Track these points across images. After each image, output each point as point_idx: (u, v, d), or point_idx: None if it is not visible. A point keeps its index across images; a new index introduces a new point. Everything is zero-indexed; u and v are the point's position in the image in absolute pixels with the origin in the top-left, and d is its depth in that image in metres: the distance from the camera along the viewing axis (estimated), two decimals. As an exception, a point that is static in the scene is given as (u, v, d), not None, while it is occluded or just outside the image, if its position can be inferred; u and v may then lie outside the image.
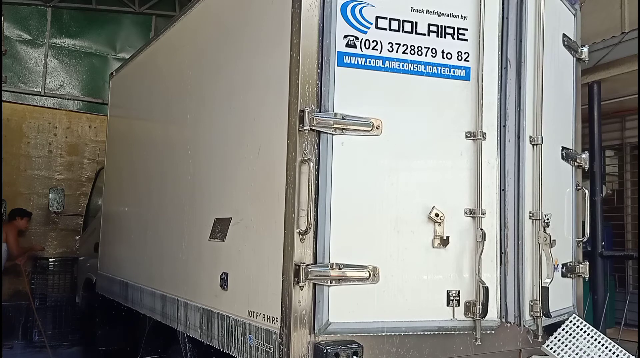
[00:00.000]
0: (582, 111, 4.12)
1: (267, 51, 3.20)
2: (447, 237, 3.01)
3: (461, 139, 3.10)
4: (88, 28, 10.28)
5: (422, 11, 3.07)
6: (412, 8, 3.05)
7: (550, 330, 3.40)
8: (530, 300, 3.21)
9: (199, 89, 4.07)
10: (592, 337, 3.47)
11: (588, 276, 3.92)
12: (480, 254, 3.02)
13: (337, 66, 2.89)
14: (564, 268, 3.65)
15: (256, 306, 3.04)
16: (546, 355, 3.32)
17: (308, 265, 2.75)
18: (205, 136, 3.94)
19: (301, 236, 2.76)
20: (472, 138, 3.11)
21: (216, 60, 3.87)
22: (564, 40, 3.78)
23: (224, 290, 3.37)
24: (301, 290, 2.75)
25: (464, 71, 3.13)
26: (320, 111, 2.84)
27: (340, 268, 2.80)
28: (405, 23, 3.04)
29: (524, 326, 3.20)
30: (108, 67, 9.74)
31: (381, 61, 2.98)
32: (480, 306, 3.00)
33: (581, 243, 3.93)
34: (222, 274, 3.39)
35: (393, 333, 2.91)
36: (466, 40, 3.14)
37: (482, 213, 3.07)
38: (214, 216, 3.60)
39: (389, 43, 3.00)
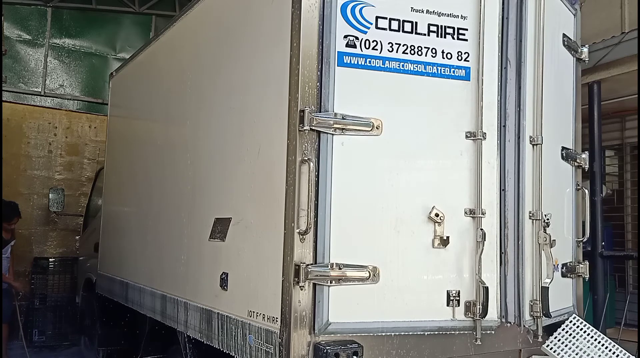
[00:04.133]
0: (582, 111, 4.12)
1: (267, 51, 3.20)
2: (447, 237, 3.01)
3: (461, 139, 3.10)
4: (88, 28, 10.28)
5: (422, 11, 3.07)
6: (412, 8, 3.05)
7: (550, 330, 3.40)
8: (530, 300, 3.21)
9: (199, 89, 4.07)
10: (592, 337, 3.47)
11: (588, 276, 3.92)
12: (480, 254, 3.02)
13: (337, 66, 2.89)
14: (564, 268, 3.65)
15: (256, 306, 3.04)
16: (546, 355, 3.32)
17: (308, 265, 2.75)
18: (205, 136, 3.94)
19: (301, 236, 2.76)
20: (472, 138, 3.11)
21: (216, 60, 3.87)
22: (564, 41, 3.78)
23: (224, 290, 3.37)
24: (301, 290, 2.75)
25: (464, 71, 3.13)
26: (320, 111, 2.84)
27: (340, 268, 2.80)
28: (405, 23, 3.04)
29: (524, 326, 3.20)
30: (108, 67, 9.74)
31: (381, 61, 2.98)
32: (480, 307, 3.00)
33: (581, 243, 3.93)
34: (222, 274, 3.39)
35: (393, 333, 2.91)
36: (466, 40, 3.14)
37: (482, 213, 3.07)
38: (214, 216, 3.60)
39: (389, 43, 3.00)
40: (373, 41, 2.97)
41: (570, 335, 3.43)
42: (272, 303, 2.86)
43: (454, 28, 3.12)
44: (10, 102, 9.35)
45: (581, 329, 3.48)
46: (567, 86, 3.88)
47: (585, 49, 4.02)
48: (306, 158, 2.78)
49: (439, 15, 3.10)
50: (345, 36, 2.92)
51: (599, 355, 3.37)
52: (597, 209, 5.40)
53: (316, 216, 2.79)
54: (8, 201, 7.49)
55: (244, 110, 3.39)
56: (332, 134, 2.85)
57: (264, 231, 3.05)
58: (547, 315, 3.22)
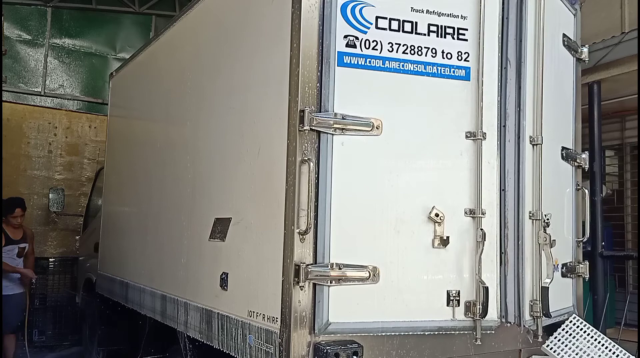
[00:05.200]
0: (582, 111, 4.11)
1: (267, 51, 3.20)
2: (447, 237, 3.01)
3: (461, 139, 3.10)
4: (88, 28, 10.28)
5: (422, 11, 3.07)
6: (412, 8, 3.05)
7: (550, 330, 3.40)
8: (530, 300, 3.21)
9: (199, 89, 4.07)
10: (592, 337, 3.47)
11: (588, 276, 3.92)
12: (480, 254, 3.02)
13: (337, 66, 2.89)
14: (564, 268, 3.65)
15: (256, 306, 3.04)
16: (546, 355, 3.32)
17: (308, 265, 2.75)
18: (205, 136, 3.94)
19: (301, 236, 2.76)
20: (472, 138, 3.11)
21: (216, 60, 3.87)
22: (564, 41, 3.78)
23: (224, 290, 3.37)
24: (301, 290, 2.75)
25: (464, 71, 3.13)
26: (320, 111, 2.84)
27: (340, 268, 2.80)
28: (405, 23, 3.04)
29: (524, 326, 3.20)
30: (108, 67, 9.74)
31: (381, 61, 2.98)
32: (480, 306, 3.00)
33: (581, 243, 3.93)
34: (222, 274, 3.39)
35: (393, 333, 2.91)
36: (466, 40, 3.14)
37: (482, 213, 3.07)
38: (214, 216, 3.60)
39: (389, 43, 3.00)
40: (373, 41, 2.97)
41: (570, 335, 3.43)
42: (272, 303, 2.86)
43: (454, 28, 3.12)
44: (10, 102, 9.35)
45: (581, 329, 3.48)
46: (567, 86, 3.88)
47: (585, 49, 4.02)
48: (306, 158, 2.78)
49: (439, 15, 3.10)
50: (345, 36, 2.92)
51: (599, 355, 3.37)
52: (597, 209, 5.40)
53: (316, 216, 2.79)
54: (12, 197, 7.19)
55: (244, 110, 3.39)
56: (332, 134, 2.85)
57: (264, 231, 3.05)
58: (547, 315, 3.22)
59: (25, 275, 6.70)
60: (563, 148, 3.71)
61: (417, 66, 3.04)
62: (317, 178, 2.81)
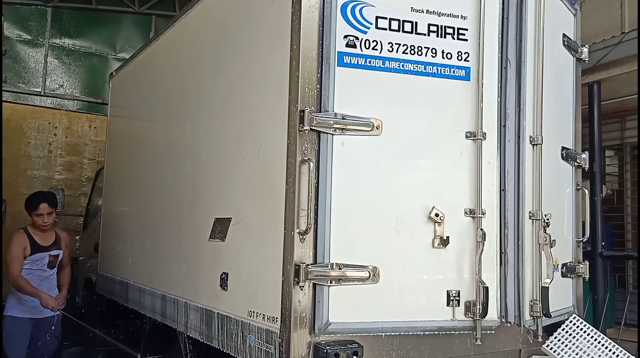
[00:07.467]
0: (582, 111, 4.11)
1: (267, 51, 3.20)
2: (447, 237, 3.01)
3: (461, 139, 3.10)
4: (88, 28, 10.30)
5: (422, 11, 3.07)
6: (412, 8, 3.05)
7: (550, 330, 3.40)
8: (530, 300, 3.21)
9: (199, 89, 4.07)
10: (592, 337, 3.47)
11: (588, 276, 3.92)
12: (480, 254, 3.02)
13: (337, 66, 2.89)
14: (564, 268, 3.65)
15: (256, 306, 3.04)
16: (546, 355, 3.32)
17: (308, 265, 2.75)
18: (205, 136, 3.94)
19: (301, 236, 2.76)
20: (472, 138, 3.11)
21: (216, 60, 3.87)
22: (564, 41, 3.78)
23: (224, 290, 3.37)
24: (301, 290, 2.75)
25: (464, 71, 3.13)
26: (320, 111, 2.83)
27: (340, 268, 2.80)
28: (405, 23, 3.04)
29: (524, 326, 3.20)
30: (108, 67, 9.75)
31: (381, 61, 2.98)
32: (480, 306, 3.00)
33: (581, 243, 3.93)
34: (222, 274, 3.39)
35: (393, 333, 2.91)
36: (466, 40, 3.14)
37: (482, 213, 3.07)
38: (214, 216, 3.60)
39: (389, 43, 3.00)
40: (373, 41, 2.97)
41: (570, 335, 3.43)
42: (272, 303, 2.86)
43: (454, 28, 3.12)
44: (10, 102, 9.38)
45: (581, 329, 3.48)
46: (567, 86, 3.88)
47: (585, 49, 4.02)
48: (306, 158, 2.77)
49: (439, 15, 3.10)
50: (345, 36, 2.92)
51: (599, 355, 3.37)
52: (597, 209, 5.40)
53: (316, 216, 2.79)
54: (40, 191, 6.13)
55: (244, 110, 3.39)
56: (332, 134, 2.85)
57: (264, 231, 3.05)
58: (547, 315, 3.22)
59: (45, 302, 4.96)
60: (563, 148, 3.71)
61: (417, 66, 3.04)
62: (317, 178, 2.81)
